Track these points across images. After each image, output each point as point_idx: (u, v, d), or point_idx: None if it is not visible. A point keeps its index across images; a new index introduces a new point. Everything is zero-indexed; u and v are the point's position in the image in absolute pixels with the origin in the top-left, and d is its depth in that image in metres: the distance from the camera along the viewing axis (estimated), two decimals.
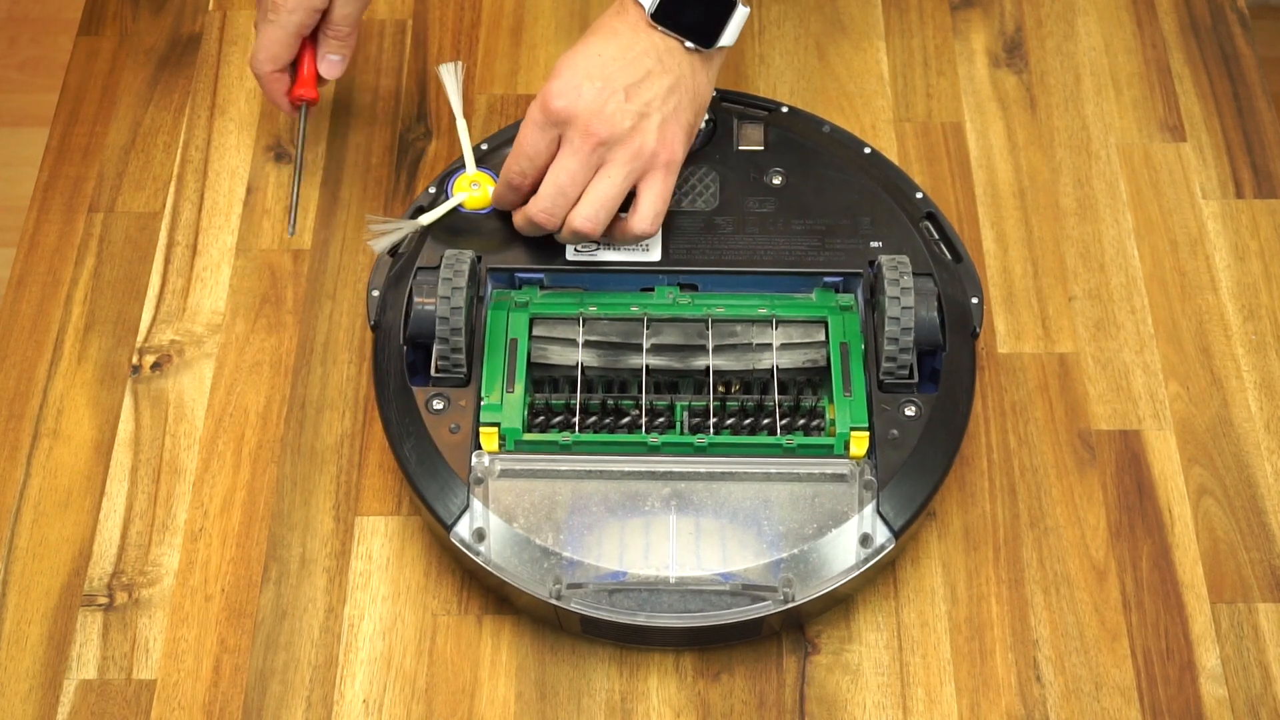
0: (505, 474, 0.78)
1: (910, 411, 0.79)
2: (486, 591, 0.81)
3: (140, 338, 0.90)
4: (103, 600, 0.82)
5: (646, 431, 0.79)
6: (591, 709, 0.78)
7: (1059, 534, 0.83)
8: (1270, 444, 0.86)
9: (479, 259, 0.83)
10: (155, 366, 0.89)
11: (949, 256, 0.85)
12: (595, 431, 0.80)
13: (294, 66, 0.93)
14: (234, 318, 0.91)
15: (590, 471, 0.78)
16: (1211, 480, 0.85)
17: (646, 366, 0.81)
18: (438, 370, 0.80)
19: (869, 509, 0.77)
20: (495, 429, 0.78)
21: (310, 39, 0.92)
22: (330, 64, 0.92)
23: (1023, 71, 1.01)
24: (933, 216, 0.86)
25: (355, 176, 0.97)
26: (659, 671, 0.79)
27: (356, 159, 0.97)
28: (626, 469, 0.78)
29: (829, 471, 0.77)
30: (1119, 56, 1.02)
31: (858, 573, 0.76)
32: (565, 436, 0.78)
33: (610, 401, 0.81)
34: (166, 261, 0.93)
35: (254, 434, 0.87)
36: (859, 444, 0.78)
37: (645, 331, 0.81)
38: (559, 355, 0.81)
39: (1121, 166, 0.97)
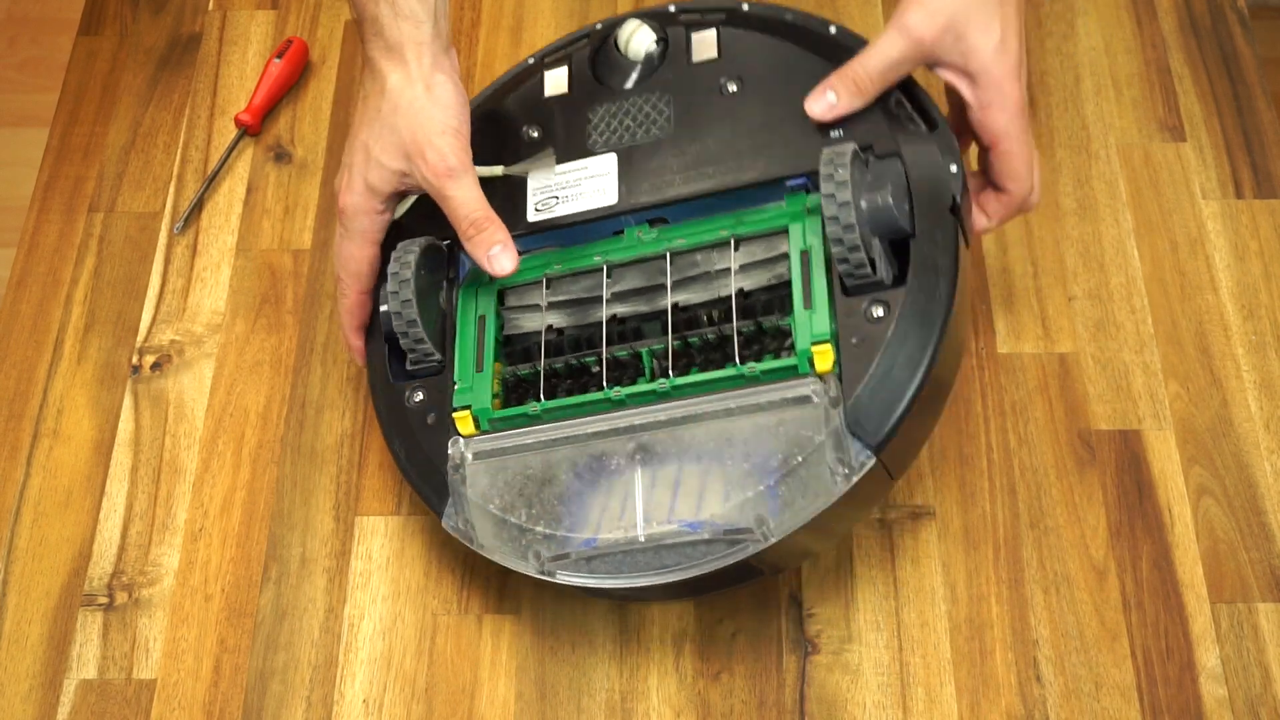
0: (478, 456, 0.75)
1: (878, 312, 0.70)
2: (487, 590, 0.81)
3: (140, 338, 0.90)
4: (103, 600, 0.82)
5: (611, 385, 0.74)
6: (591, 709, 0.78)
7: (1059, 534, 0.83)
8: (1270, 444, 0.86)
9: (447, 243, 0.80)
10: (155, 366, 0.89)
11: (924, 128, 0.76)
12: (565, 395, 0.76)
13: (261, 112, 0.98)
14: (234, 318, 0.91)
15: (555, 440, 0.74)
16: (1211, 480, 0.85)
17: (614, 316, 0.76)
18: (411, 363, 0.79)
19: (838, 426, 0.69)
20: (468, 411, 0.76)
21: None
22: (492, 260, 0.75)
23: None
24: (904, 87, 0.77)
25: None
26: (659, 671, 0.79)
27: None
28: (590, 430, 0.73)
29: (790, 395, 0.70)
30: (1119, 56, 1.02)
31: (838, 497, 0.69)
32: (533, 406, 0.75)
33: (574, 361, 0.76)
34: (166, 261, 0.93)
35: (254, 434, 0.87)
36: (823, 359, 0.70)
37: (605, 280, 0.77)
38: (529, 322, 0.78)
39: (1121, 166, 0.97)
